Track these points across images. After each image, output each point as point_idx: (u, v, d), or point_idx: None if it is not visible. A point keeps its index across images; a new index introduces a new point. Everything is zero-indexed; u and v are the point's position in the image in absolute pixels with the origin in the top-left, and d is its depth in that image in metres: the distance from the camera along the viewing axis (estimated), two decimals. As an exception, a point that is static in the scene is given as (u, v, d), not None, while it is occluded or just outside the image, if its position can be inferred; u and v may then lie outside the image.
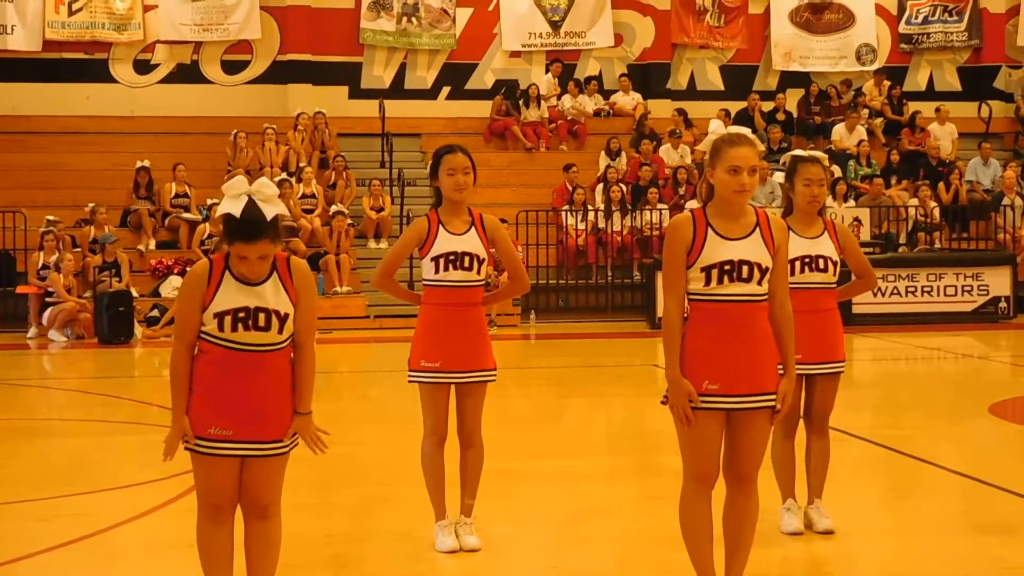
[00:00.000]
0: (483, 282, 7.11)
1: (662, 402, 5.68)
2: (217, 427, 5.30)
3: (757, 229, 5.59)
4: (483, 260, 7.05)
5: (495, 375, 7.14)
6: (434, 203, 7.19)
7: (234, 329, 5.24)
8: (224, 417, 5.29)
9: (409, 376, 7.06)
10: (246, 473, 5.42)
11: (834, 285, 7.29)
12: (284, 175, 23.57)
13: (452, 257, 6.96)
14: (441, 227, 7.00)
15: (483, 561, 7.00)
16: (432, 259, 6.99)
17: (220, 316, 5.24)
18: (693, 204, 23.32)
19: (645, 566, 6.28)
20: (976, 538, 7.54)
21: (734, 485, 5.72)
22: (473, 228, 7.05)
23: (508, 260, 7.27)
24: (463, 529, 7.15)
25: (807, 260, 7.18)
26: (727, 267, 5.51)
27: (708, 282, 5.52)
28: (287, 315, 5.31)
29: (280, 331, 5.31)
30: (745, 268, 5.52)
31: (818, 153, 7.48)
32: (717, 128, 5.74)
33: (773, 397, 5.60)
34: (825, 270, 7.19)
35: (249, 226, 5.21)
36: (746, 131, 5.71)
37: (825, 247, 7.22)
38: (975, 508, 8.41)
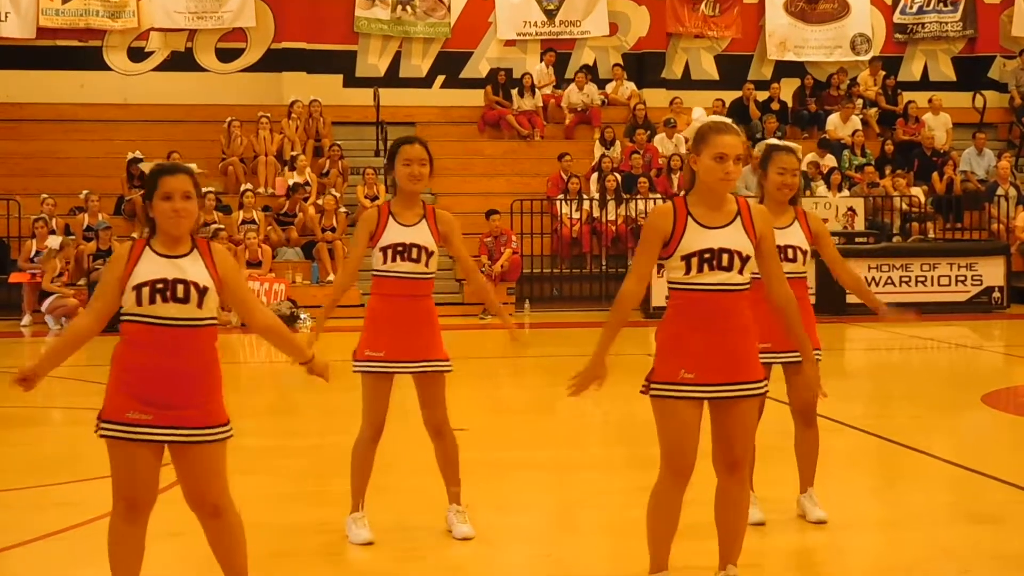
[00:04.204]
0: (432, 275, 7.09)
1: (642, 391, 5.69)
2: (136, 411, 5.23)
3: (738, 217, 5.59)
4: (432, 253, 7.02)
5: (449, 366, 7.08)
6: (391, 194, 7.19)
7: (152, 301, 5.22)
8: (143, 400, 5.22)
9: (353, 366, 7.01)
10: (181, 469, 5.33)
11: (804, 274, 7.25)
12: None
13: (400, 248, 6.94)
14: (391, 218, 6.99)
15: (475, 550, 7.01)
16: (380, 249, 6.97)
17: (139, 288, 5.23)
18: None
19: (637, 556, 6.27)
20: (967, 527, 7.56)
21: (725, 474, 5.70)
22: (424, 221, 7.04)
23: (459, 258, 7.25)
24: (457, 518, 7.16)
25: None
26: (707, 255, 5.50)
27: (688, 270, 5.52)
28: (206, 288, 5.29)
29: (200, 305, 5.28)
30: (725, 256, 5.50)
31: (793, 144, 7.47)
32: (701, 116, 5.74)
33: (754, 385, 5.60)
34: (794, 260, 7.15)
35: (169, 163, 5.46)
36: (729, 120, 5.71)
37: (794, 237, 7.18)
38: (966, 497, 8.42)
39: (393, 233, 6.95)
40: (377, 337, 6.95)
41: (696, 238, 5.50)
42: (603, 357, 5.57)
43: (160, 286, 5.23)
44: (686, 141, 5.87)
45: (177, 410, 5.25)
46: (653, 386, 5.63)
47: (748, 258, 5.56)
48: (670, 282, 5.60)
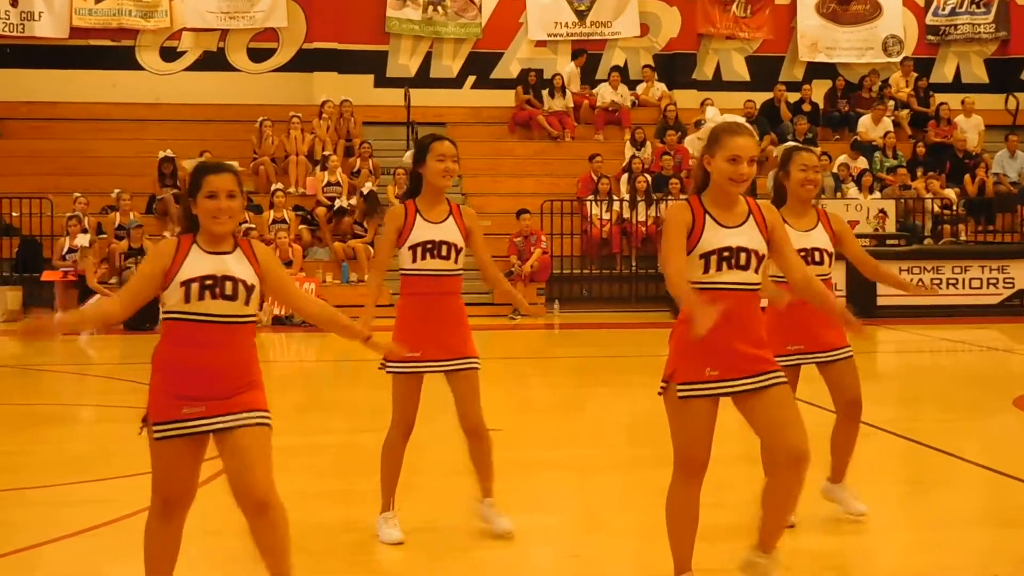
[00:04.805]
0: (461, 271, 7.06)
1: (660, 393, 5.68)
2: (188, 407, 5.21)
3: (751, 217, 5.59)
4: (460, 249, 7.00)
5: (478, 363, 7.06)
6: (408, 192, 7.15)
7: (201, 297, 5.21)
8: (189, 397, 5.20)
9: (387, 367, 6.97)
10: (226, 459, 5.27)
11: (829, 276, 7.25)
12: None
13: (429, 246, 6.91)
14: (418, 215, 6.96)
15: (502, 550, 7.01)
16: (409, 248, 6.93)
17: (187, 284, 5.21)
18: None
19: (664, 557, 6.28)
20: (995, 531, 7.53)
21: (785, 466, 5.52)
22: (451, 217, 7.02)
23: (478, 255, 7.17)
24: (491, 512, 7.16)
25: (802, 253, 7.10)
26: (726, 254, 5.49)
27: (707, 269, 5.50)
28: (253, 286, 5.29)
29: (247, 302, 5.28)
30: (743, 255, 5.50)
31: (811, 147, 7.49)
32: (714, 116, 5.71)
33: (777, 375, 5.56)
34: (821, 262, 7.16)
35: (213, 162, 5.43)
36: (743, 120, 5.69)
37: (819, 239, 7.20)
38: (996, 501, 8.39)
39: (421, 231, 6.91)
40: (411, 337, 6.89)
41: (715, 237, 5.49)
42: (698, 300, 5.32)
43: (209, 282, 5.22)
44: (697, 138, 5.83)
45: (225, 399, 5.24)
46: (680, 387, 5.59)
47: (763, 257, 5.56)
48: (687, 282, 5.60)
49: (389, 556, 7.00)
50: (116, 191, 22.55)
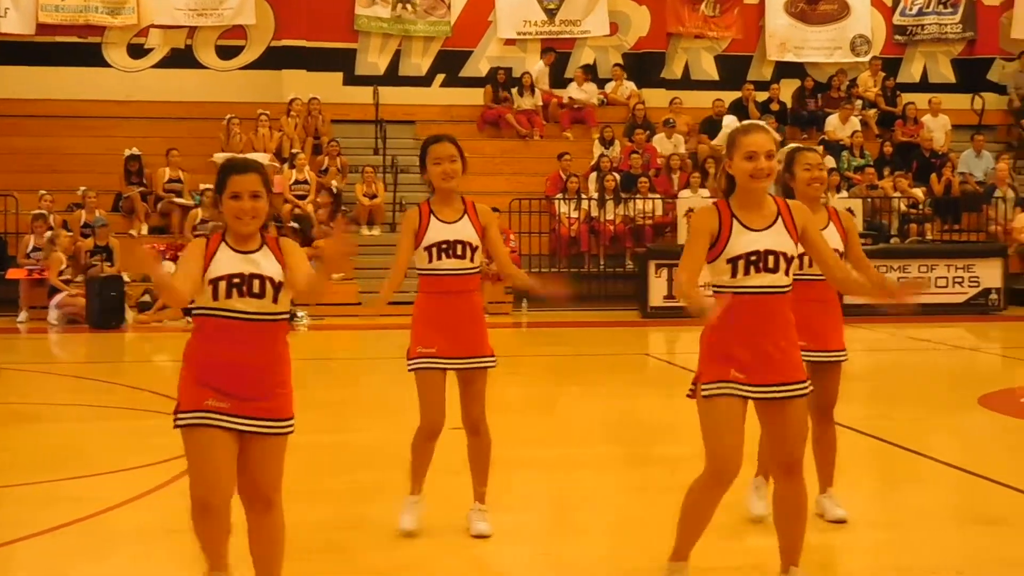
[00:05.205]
0: (477, 269, 7.10)
1: (689, 395, 5.68)
2: (214, 399, 5.24)
3: (779, 218, 5.61)
4: (476, 247, 7.03)
5: (494, 361, 7.12)
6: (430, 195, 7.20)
7: (228, 295, 5.25)
8: (220, 391, 5.24)
9: (408, 365, 7.02)
10: (244, 460, 5.35)
11: None
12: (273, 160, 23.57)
13: (444, 246, 6.95)
14: (432, 216, 6.99)
15: (475, 548, 7.02)
16: (425, 248, 6.97)
17: (215, 282, 5.25)
18: (687, 194, 23.44)
19: (636, 555, 6.31)
20: (966, 529, 7.57)
21: (783, 478, 5.69)
22: (466, 216, 7.04)
23: (493, 249, 7.20)
24: (475, 515, 7.18)
25: None
26: (753, 257, 5.51)
27: (735, 273, 5.53)
28: (280, 283, 5.32)
29: (274, 300, 5.31)
30: (771, 258, 5.52)
31: (813, 147, 7.53)
32: (731, 122, 5.77)
33: (801, 386, 5.62)
34: None
35: (240, 160, 5.45)
36: (760, 122, 5.75)
37: (832, 239, 7.17)
38: (965, 500, 8.43)
39: (436, 232, 6.95)
40: (428, 334, 6.94)
41: (742, 241, 5.52)
42: (701, 298, 5.37)
43: (236, 281, 5.25)
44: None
45: (253, 401, 5.28)
46: (704, 387, 5.59)
47: (792, 259, 5.59)
48: (715, 286, 5.62)
49: (363, 554, 6.98)
50: (82, 188, 22.42)
